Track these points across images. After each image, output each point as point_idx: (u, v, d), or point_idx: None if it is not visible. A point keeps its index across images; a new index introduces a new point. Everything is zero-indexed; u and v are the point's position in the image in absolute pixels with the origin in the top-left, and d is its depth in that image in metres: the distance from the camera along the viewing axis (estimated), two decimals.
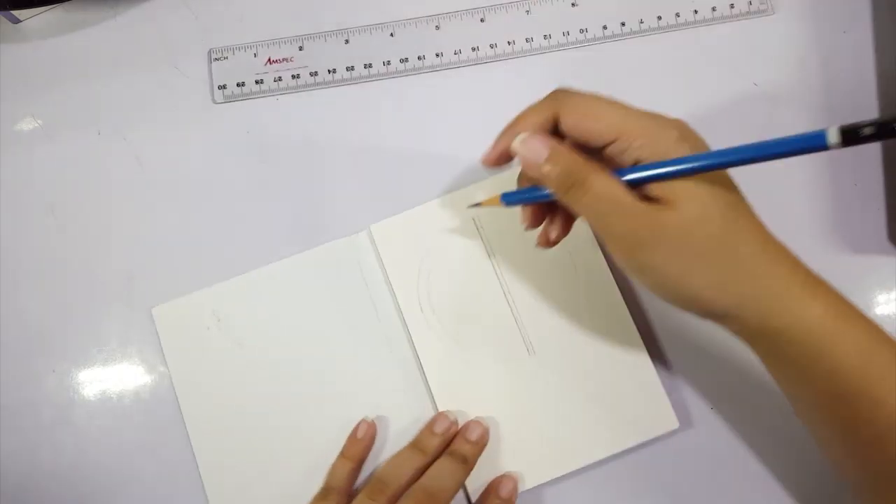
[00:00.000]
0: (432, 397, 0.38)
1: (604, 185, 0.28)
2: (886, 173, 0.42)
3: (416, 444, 0.37)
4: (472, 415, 0.38)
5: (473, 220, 0.40)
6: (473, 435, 0.36)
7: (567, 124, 0.30)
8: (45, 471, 0.38)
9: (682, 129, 0.29)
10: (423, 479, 0.35)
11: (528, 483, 0.37)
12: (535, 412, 0.38)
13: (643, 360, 0.38)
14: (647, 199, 0.29)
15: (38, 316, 0.40)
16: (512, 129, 0.31)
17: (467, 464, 0.36)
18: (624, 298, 0.39)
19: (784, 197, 0.42)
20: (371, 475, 0.37)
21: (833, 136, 0.24)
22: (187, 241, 0.42)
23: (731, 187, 0.29)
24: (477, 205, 0.37)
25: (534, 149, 0.30)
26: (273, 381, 0.39)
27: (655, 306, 0.40)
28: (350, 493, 0.36)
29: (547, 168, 0.30)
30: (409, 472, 0.35)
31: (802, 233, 0.41)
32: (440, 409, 0.38)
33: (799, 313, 0.28)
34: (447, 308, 0.39)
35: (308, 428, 0.38)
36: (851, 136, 0.24)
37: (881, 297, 0.41)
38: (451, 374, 0.38)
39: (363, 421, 0.38)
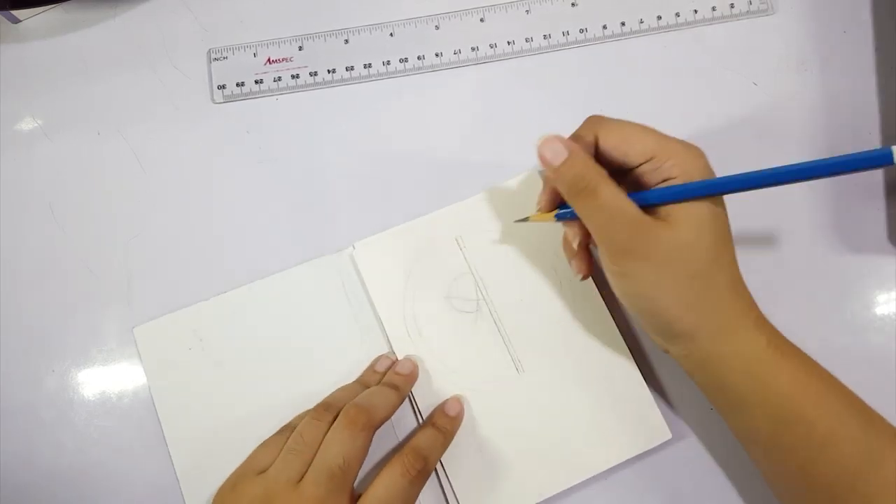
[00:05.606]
0: (419, 417, 0.38)
1: (611, 195, 0.31)
2: (886, 173, 0.42)
3: (359, 380, 0.38)
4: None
5: (456, 240, 0.40)
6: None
7: (606, 145, 0.32)
8: (45, 471, 0.38)
9: (706, 160, 0.32)
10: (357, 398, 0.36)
11: (521, 503, 0.37)
12: (526, 431, 0.37)
13: (632, 372, 0.38)
14: (649, 213, 0.31)
15: (38, 316, 0.40)
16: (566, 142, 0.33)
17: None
18: (611, 313, 0.39)
19: (784, 197, 0.42)
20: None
21: None
22: (187, 242, 0.42)
23: (724, 218, 0.32)
24: (525, 220, 0.38)
25: (554, 150, 0.32)
26: (255, 402, 0.38)
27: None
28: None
29: (562, 169, 0.32)
30: (350, 399, 0.36)
31: (803, 233, 0.41)
32: (423, 424, 0.37)
33: (746, 342, 0.31)
34: (433, 329, 0.39)
35: None
36: None
37: (881, 297, 0.40)
38: (440, 395, 0.38)
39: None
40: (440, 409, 0.37)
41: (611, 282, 0.33)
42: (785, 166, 0.29)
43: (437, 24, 0.45)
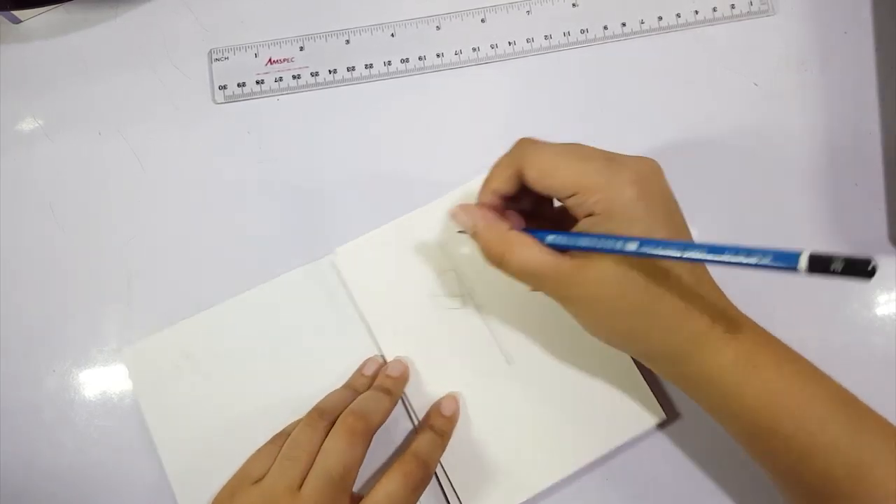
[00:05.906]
0: (414, 418, 0.38)
1: (521, 260, 0.31)
2: (886, 173, 0.42)
3: (348, 385, 0.38)
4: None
5: (437, 237, 0.40)
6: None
7: (529, 179, 0.31)
8: (45, 471, 0.38)
9: (641, 185, 0.29)
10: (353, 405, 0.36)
11: (519, 497, 0.36)
12: (519, 422, 0.37)
13: (622, 355, 0.38)
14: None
15: (38, 316, 0.40)
16: (486, 186, 0.33)
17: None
18: None
19: (784, 197, 0.42)
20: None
21: (803, 262, 0.23)
22: (187, 241, 0.42)
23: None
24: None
25: (463, 222, 0.33)
26: (247, 416, 0.38)
27: None
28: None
29: (477, 240, 0.32)
30: (342, 404, 0.36)
31: (803, 233, 0.41)
32: (420, 427, 0.37)
33: (707, 361, 0.30)
34: (420, 328, 0.39)
35: None
36: (819, 265, 0.23)
37: (881, 297, 0.41)
38: (433, 394, 0.38)
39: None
40: (435, 409, 0.37)
41: None
42: (688, 243, 0.27)
43: (438, 24, 0.45)
